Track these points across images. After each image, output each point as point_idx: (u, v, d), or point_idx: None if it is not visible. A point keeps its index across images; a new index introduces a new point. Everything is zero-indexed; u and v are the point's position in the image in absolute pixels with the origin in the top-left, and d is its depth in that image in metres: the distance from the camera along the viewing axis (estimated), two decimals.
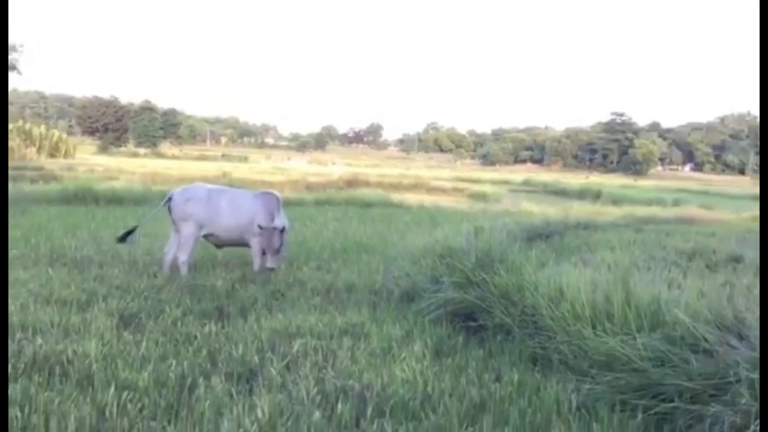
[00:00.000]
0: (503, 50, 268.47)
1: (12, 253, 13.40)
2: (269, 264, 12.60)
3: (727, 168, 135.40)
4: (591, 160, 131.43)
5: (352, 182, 43.35)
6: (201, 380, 6.88)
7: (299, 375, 7.15)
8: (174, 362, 7.36)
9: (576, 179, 69.60)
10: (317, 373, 7.23)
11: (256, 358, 7.68)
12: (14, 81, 71.54)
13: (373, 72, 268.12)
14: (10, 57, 65.57)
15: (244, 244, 13.11)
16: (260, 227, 12.67)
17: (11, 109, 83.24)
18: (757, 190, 77.67)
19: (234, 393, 6.60)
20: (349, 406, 6.28)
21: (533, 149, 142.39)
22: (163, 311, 9.68)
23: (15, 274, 11.62)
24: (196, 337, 8.43)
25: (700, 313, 7.09)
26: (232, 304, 10.33)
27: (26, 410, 5.86)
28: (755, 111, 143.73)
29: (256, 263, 12.81)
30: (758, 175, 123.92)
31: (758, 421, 5.46)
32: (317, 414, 6.00)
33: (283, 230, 12.92)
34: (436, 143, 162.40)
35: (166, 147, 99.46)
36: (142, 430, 5.61)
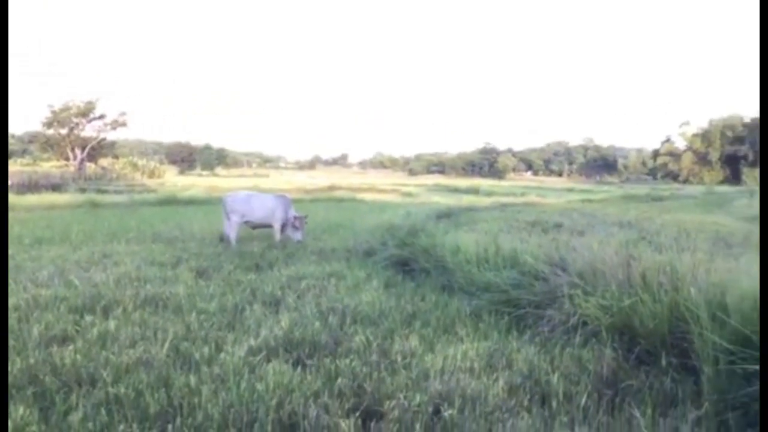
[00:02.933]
0: (420, 91, 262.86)
1: (128, 235, 13.26)
2: (299, 238, 12.67)
3: (552, 173, 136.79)
4: (473, 170, 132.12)
5: (331, 188, 43.17)
6: (247, 306, 6.87)
7: (305, 301, 7.14)
8: (230, 296, 7.32)
9: (465, 182, 69.71)
10: (316, 300, 7.24)
11: (279, 292, 7.64)
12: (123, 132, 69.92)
13: (341, 113, 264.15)
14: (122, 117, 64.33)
15: (269, 226, 13.09)
16: (295, 217, 12.87)
17: (126, 150, 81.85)
18: (569, 185, 78.68)
19: (267, 313, 6.58)
20: (336, 318, 6.30)
21: (439, 165, 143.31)
22: (221, 267, 9.60)
23: (131, 248, 11.49)
24: (242, 282, 8.37)
25: (539, 256, 7.18)
26: (263, 262, 10.27)
27: (142, 328, 5.83)
28: (571, 140, 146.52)
29: (277, 237, 12.78)
30: (571, 177, 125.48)
31: (576, 316, 5.57)
32: (317, 323, 6.00)
33: (306, 217, 13.21)
34: (381, 164, 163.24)
35: (219, 170, 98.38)
36: (212, 337, 5.57)
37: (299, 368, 4.71)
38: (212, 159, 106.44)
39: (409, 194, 40.50)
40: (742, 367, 3.89)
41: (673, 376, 4.42)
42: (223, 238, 12.62)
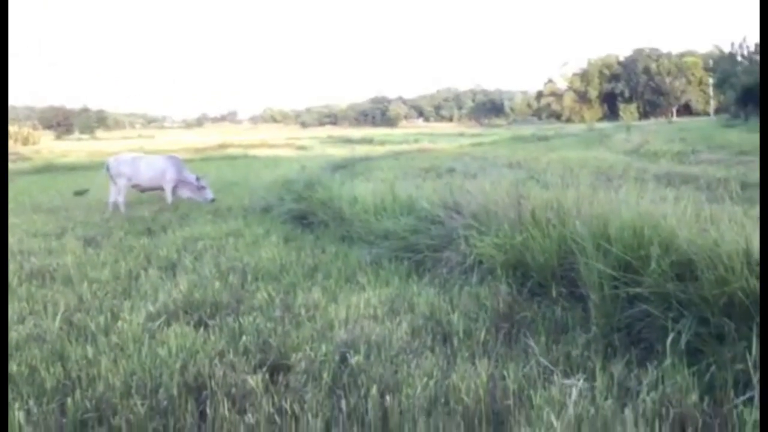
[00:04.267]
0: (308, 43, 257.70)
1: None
2: (210, 197, 12.24)
3: (443, 118, 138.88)
4: (365, 120, 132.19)
5: (222, 146, 41.98)
6: (142, 272, 6.66)
7: (203, 262, 7.01)
8: (123, 263, 7.05)
9: (358, 133, 69.67)
10: (215, 260, 7.11)
11: (175, 255, 7.45)
12: None
13: (229, 68, 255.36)
14: None
15: (160, 188, 12.62)
16: (198, 178, 12.43)
17: None
18: (460, 130, 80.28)
19: (164, 278, 6.41)
20: (236, 276, 6.23)
21: (331, 116, 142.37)
22: (111, 233, 9.22)
23: (9, 221, 10.80)
24: (134, 247, 8.08)
25: (434, 201, 7.34)
26: (156, 225, 9.94)
27: (30, 303, 5.54)
28: (459, 85, 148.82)
29: (169, 199, 12.33)
30: (461, 121, 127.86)
31: (473, 256, 5.77)
32: (217, 283, 5.92)
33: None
34: (272, 118, 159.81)
35: (99, 133, 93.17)
36: (107, 307, 5.38)
37: (201, 329, 4.64)
38: (91, 122, 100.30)
39: (302, 148, 40.07)
40: (625, 291, 4.18)
41: (563, 305, 4.68)
42: (109, 205, 12.07)
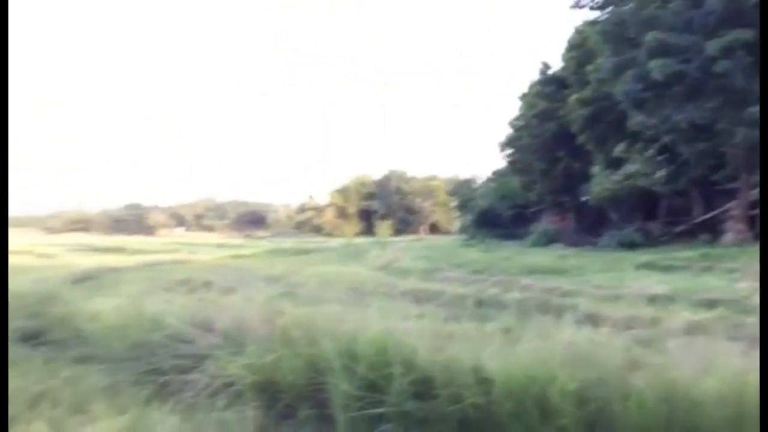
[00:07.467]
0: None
1: None
2: None
3: (204, 228, 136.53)
4: (120, 227, 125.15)
5: None
6: None
7: None
8: None
9: (111, 241, 65.57)
10: None
11: None
12: None
13: None
14: None
15: None
16: None
17: None
18: (221, 240, 79.19)
19: None
20: None
21: (82, 222, 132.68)
22: None
23: None
24: None
25: (184, 318, 7.02)
26: None
27: None
28: (223, 196, 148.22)
29: None
30: (223, 231, 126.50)
31: (221, 378, 5.52)
32: None
33: None
34: (12, 223, 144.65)
35: None
36: None
37: None
38: None
39: (46, 255, 36.48)
40: (369, 412, 4.25)
41: (313, 426, 4.62)
42: None
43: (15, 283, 12.68)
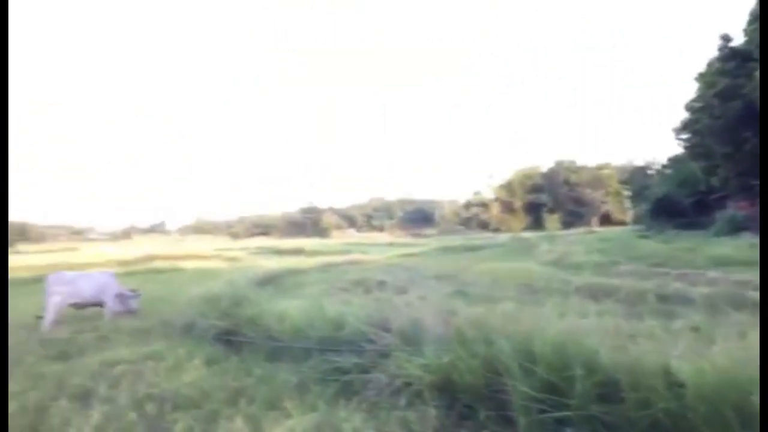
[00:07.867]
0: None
1: None
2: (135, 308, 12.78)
3: (374, 228, 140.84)
4: (297, 230, 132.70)
5: (149, 258, 40.82)
6: (51, 403, 6.22)
7: (120, 390, 6.61)
8: (31, 393, 6.60)
9: (289, 243, 69.53)
10: (132, 387, 6.72)
11: (89, 383, 7.01)
12: None
13: (158, 177, 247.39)
14: None
15: (98, 305, 12.48)
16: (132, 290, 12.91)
17: None
18: (390, 240, 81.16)
19: (75, 409, 6.00)
20: (154, 405, 5.89)
21: (262, 227, 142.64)
22: (22, 359, 8.65)
23: None
24: (46, 374, 7.59)
25: (362, 318, 7.26)
26: (72, 348, 9.39)
27: None
28: (388, 195, 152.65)
29: (108, 316, 12.27)
30: (391, 231, 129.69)
31: (401, 378, 5.66)
32: (133, 414, 5.58)
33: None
34: (201, 229, 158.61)
35: (20, 247, 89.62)
36: None
37: None
38: (12, 235, 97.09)
39: (232, 259, 39.48)
40: (551, 416, 4.15)
41: (494, 428, 4.60)
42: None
43: (208, 287, 13.90)
